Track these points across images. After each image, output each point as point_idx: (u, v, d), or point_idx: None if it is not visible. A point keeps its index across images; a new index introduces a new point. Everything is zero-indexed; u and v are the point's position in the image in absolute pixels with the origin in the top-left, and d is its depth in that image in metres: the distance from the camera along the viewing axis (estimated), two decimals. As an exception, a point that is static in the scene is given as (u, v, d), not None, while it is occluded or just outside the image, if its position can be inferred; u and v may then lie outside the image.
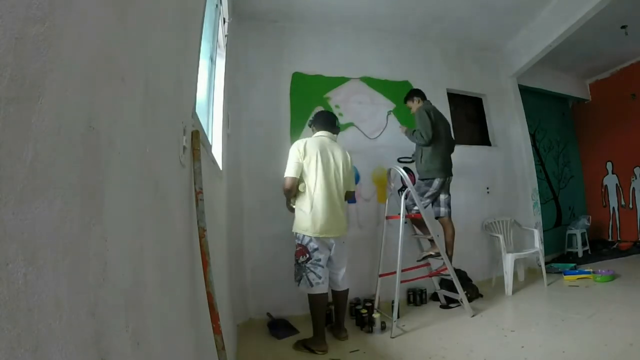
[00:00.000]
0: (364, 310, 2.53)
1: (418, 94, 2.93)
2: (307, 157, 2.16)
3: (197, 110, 1.14)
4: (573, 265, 3.77)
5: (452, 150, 2.95)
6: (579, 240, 4.42)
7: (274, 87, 3.08)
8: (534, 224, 3.72)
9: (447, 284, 2.90)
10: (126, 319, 0.50)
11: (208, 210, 1.08)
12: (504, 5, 3.23)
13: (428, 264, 2.91)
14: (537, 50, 3.65)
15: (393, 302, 2.45)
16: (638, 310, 2.31)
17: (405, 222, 2.69)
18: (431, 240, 2.74)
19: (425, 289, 3.02)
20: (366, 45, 3.47)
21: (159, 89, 0.72)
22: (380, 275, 2.73)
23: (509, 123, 4.05)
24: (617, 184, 4.99)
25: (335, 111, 3.21)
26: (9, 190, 0.28)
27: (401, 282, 2.52)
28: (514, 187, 3.90)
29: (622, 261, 3.95)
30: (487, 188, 3.70)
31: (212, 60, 1.97)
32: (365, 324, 2.46)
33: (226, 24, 2.36)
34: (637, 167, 4.71)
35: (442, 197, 2.84)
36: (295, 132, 2.99)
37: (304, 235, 2.14)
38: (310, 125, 2.49)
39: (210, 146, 1.52)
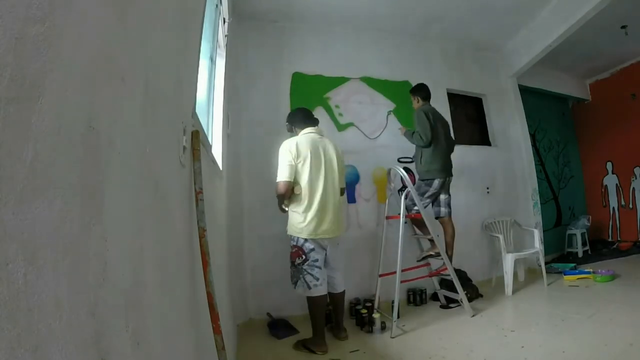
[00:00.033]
0: (364, 310, 2.53)
1: (420, 92, 2.92)
2: (300, 157, 2.07)
3: (197, 110, 1.14)
4: (573, 265, 3.77)
5: (452, 151, 2.95)
6: (579, 240, 4.42)
7: (274, 87, 3.08)
8: (534, 224, 3.72)
9: (447, 284, 2.90)
10: (126, 319, 0.50)
11: (208, 210, 1.08)
12: (504, 5, 3.23)
13: (428, 264, 2.91)
14: (537, 50, 3.65)
15: (393, 302, 2.45)
16: (638, 310, 2.31)
17: (405, 222, 2.69)
18: (431, 240, 2.74)
19: (425, 289, 3.02)
20: (366, 45, 3.47)
21: (159, 89, 0.72)
22: (380, 275, 2.73)
23: (509, 123, 4.05)
24: (617, 184, 4.99)
25: (335, 111, 3.21)
26: (9, 190, 0.28)
27: (401, 282, 2.52)
28: (514, 187, 3.90)
29: (622, 261, 3.95)
30: (487, 188, 3.70)
31: (212, 60, 1.97)
32: (365, 324, 2.46)
33: (226, 24, 2.36)
34: (637, 167, 4.71)
35: (442, 197, 2.84)
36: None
37: (298, 237, 2.11)
38: (290, 130, 2.34)
39: (210, 146, 1.52)
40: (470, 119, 4.02)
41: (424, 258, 2.84)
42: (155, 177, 0.68)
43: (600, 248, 4.67)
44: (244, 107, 2.95)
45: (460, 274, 2.93)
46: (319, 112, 3.05)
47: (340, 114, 3.21)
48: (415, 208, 2.68)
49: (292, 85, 3.12)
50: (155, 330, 0.63)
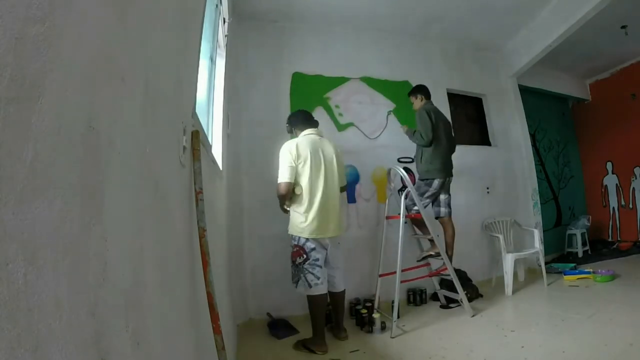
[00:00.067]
0: (364, 310, 2.53)
1: (422, 91, 2.92)
2: (300, 158, 2.10)
3: (197, 110, 1.14)
4: (573, 265, 3.76)
5: (453, 151, 2.95)
6: (579, 240, 4.42)
7: (274, 87, 3.08)
8: (534, 224, 3.72)
9: (447, 284, 2.90)
10: (126, 319, 0.50)
11: (208, 210, 1.08)
12: (504, 5, 3.23)
13: (428, 264, 2.91)
14: (537, 50, 3.65)
15: (393, 302, 2.45)
16: (638, 310, 2.31)
17: (405, 222, 2.69)
18: (431, 240, 2.74)
19: (425, 289, 3.02)
20: (366, 45, 3.47)
21: (159, 89, 0.72)
22: (380, 275, 2.73)
23: (509, 123, 4.05)
24: (617, 184, 4.99)
25: (335, 111, 3.21)
26: (9, 190, 0.28)
27: (401, 282, 2.52)
28: (514, 187, 3.90)
29: (622, 261, 3.95)
30: (487, 188, 3.70)
31: (212, 60, 1.97)
32: (365, 324, 2.46)
33: (226, 24, 2.36)
34: (637, 167, 4.71)
35: (442, 197, 2.84)
36: (295, 132, 2.99)
37: (300, 237, 2.13)
38: (290, 131, 2.38)
39: (210, 146, 1.52)
40: (470, 119, 4.02)
41: (424, 258, 2.84)
42: (155, 177, 0.68)
43: (600, 248, 4.67)
44: (244, 107, 2.95)
45: (460, 274, 2.93)
46: (319, 112, 3.05)
47: (340, 114, 3.21)
48: (415, 208, 2.68)
49: (292, 85, 3.12)
50: (155, 330, 0.63)
